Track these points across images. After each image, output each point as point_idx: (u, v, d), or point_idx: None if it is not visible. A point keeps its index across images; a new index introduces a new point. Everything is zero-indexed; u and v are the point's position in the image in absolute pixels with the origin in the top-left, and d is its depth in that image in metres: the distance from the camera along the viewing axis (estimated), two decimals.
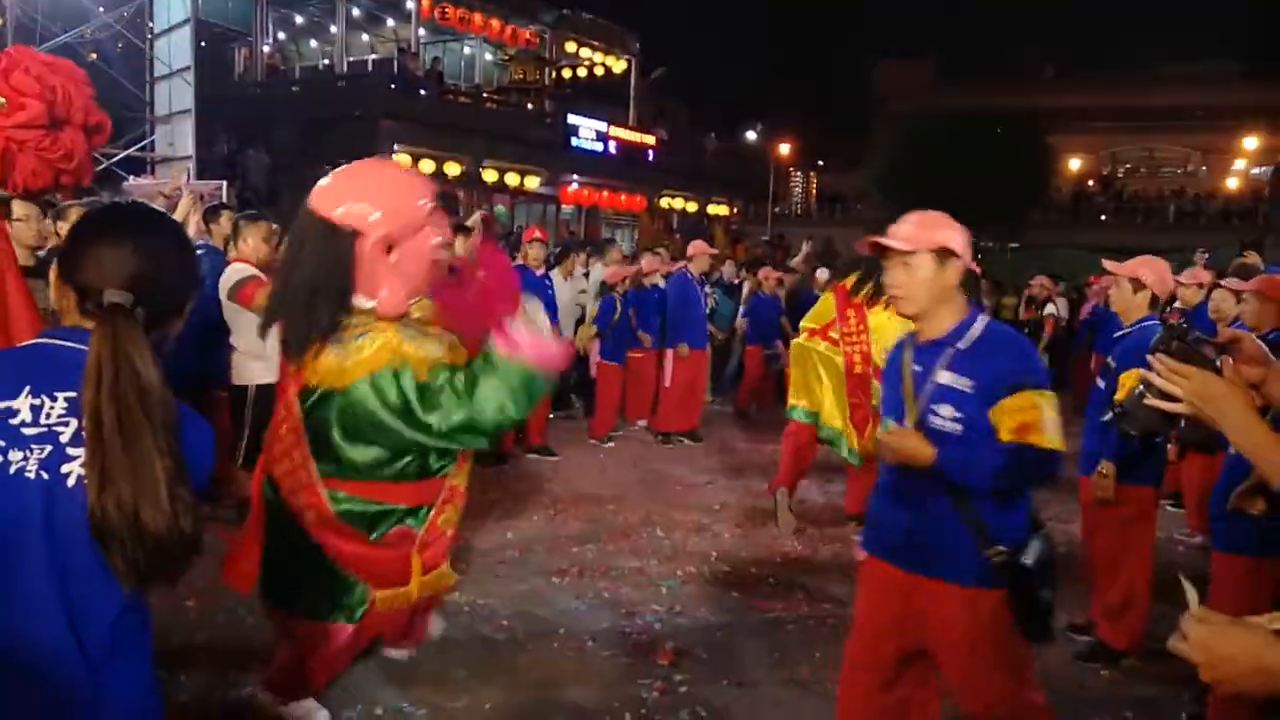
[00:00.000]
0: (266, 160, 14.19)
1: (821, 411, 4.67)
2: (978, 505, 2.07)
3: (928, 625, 2.14)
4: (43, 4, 11.10)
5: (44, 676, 1.19)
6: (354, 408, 2.17)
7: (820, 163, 36.17)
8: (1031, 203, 23.21)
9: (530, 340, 2.13)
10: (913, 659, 2.22)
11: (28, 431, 1.20)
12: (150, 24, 11.85)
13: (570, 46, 20.59)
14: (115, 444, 1.15)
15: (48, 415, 1.21)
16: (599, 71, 21.45)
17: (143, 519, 1.14)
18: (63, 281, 1.30)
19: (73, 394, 1.21)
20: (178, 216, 4.44)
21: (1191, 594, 1.19)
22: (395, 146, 14.98)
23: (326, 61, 19.99)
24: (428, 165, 14.75)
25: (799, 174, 34.41)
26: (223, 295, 4.07)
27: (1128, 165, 37.30)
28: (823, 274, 8.29)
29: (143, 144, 11.62)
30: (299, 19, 19.83)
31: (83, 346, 1.21)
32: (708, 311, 7.69)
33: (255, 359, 4.14)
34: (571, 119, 18.56)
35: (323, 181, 2.29)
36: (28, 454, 1.19)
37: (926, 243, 2.11)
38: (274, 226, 4.34)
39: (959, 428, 2.07)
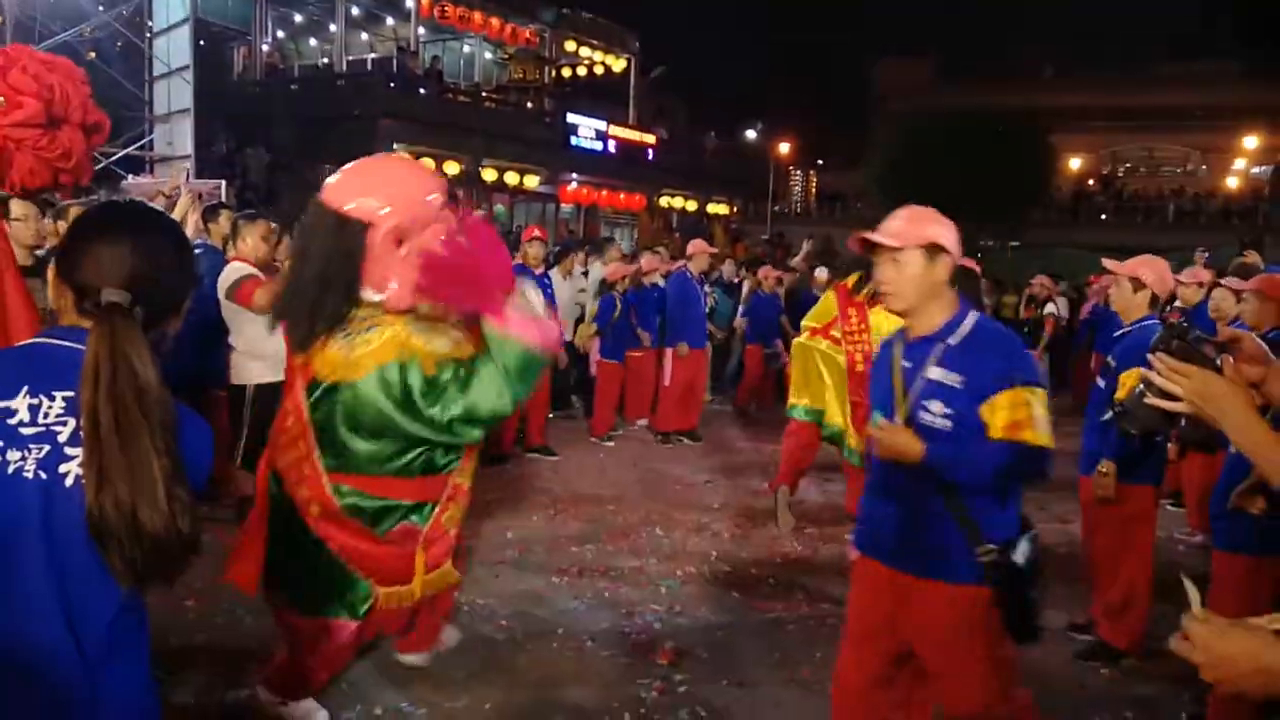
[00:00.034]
0: (266, 159, 14.20)
1: (827, 409, 4.67)
2: (968, 502, 2.06)
3: (916, 624, 2.14)
4: (41, 2, 11.09)
5: (42, 676, 1.19)
6: (360, 400, 2.18)
7: (820, 161, 36.18)
8: (1031, 202, 23.22)
9: (526, 319, 2.15)
10: (907, 658, 2.22)
11: (25, 431, 1.20)
12: (149, 23, 11.84)
13: (570, 45, 20.57)
14: (113, 443, 1.15)
15: (45, 415, 1.21)
16: (598, 70, 21.44)
17: (140, 518, 1.14)
18: (60, 280, 1.30)
19: (70, 393, 1.20)
20: (176, 215, 4.43)
21: (1193, 594, 1.19)
22: (394, 145, 14.93)
23: (326, 60, 19.97)
24: (427, 164, 14.72)
25: (799, 173, 34.42)
26: (221, 294, 4.06)
27: (1128, 164, 37.33)
28: (822, 273, 8.28)
29: (142, 143, 11.62)
30: (298, 17, 19.82)
31: (80, 346, 1.21)
32: (707, 311, 7.68)
33: (254, 358, 4.14)
34: (571, 118, 18.55)
35: (335, 175, 2.30)
36: (25, 454, 1.19)
37: (915, 239, 2.10)
38: (273, 226, 4.34)
39: (949, 424, 2.06)
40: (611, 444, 6.96)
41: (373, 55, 20.21)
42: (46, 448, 1.20)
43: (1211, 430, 1.46)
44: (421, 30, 18.31)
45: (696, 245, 7.47)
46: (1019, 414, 2.01)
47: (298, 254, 2.34)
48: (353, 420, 2.22)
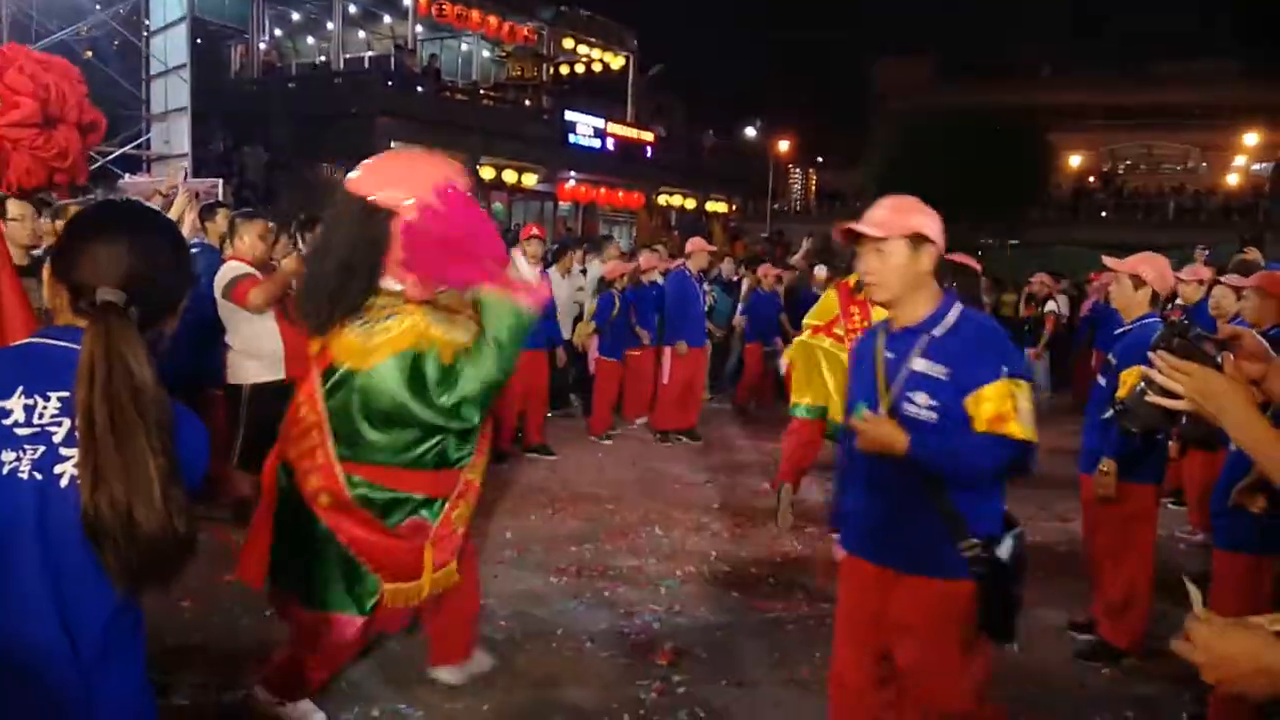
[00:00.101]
0: (263, 158, 14.18)
1: (831, 406, 4.67)
2: (952, 495, 2.05)
3: (895, 618, 2.13)
4: (38, 1, 11.06)
5: (37, 678, 1.18)
6: (376, 387, 2.20)
7: (819, 159, 36.18)
8: (1030, 200, 23.26)
9: (516, 282, 2.21)
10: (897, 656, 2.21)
11: (20, 432, 1.19)
12: (146, 21, 11.82)
13: (568, 43, 20.56)
14: (108, 443, 1.14)
15: (41, 415, 1.20)
16: (597, 68, 21.43)
17: (136, 519, 1.13)
18: (56, 280, 1.29)
19: (66, 394, 1.20)
20: (173, 215, 4.42)
21: (1195, 595, 1.19)
22: (392, 143, 14.90)
23: (323, 58, 19.94)
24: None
25: (798, 171, 34.43)
26: (217, 293, 4.05)
27: (1127, 162, 37.35)
28: (821, 271, 8.27)
29: (138, 142, 11.60)
30: (295, 16, 19.80)
31: (76, 346, 1.20)
32: (706, 309, 7.67)
33: (250, 357, 4.13)
34: (569, 115, 18.54)
35: (363, 165, 2.35)
36: (20, 454, 1.19)
37: (900, 229, 2.08)
38: (270, 225, 4.32)
39: (934, 415, 2.05)
40: (610, 443, 6.95)
41: (370, 53, 20.20)
42: (41, 448, 1.19)
43: (1212, 428, 1.46)
44: (419, 28, 18.29)
45: (695, 243, 7.46)
46: (1004, 406, 1.99)
47: (321, 239, 2.38)
48: (367, 408, 2.23)
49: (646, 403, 7.34)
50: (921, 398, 2.06)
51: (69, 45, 10.67)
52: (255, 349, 4.11)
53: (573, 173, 19.02)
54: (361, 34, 20.56)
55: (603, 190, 19.59)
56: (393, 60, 17.32)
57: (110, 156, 10.76)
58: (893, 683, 2.23)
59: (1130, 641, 3.32)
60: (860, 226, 2.11)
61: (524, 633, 3.38)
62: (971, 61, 36.13)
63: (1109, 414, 3.11)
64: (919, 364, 2.08)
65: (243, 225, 4.23)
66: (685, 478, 5.99)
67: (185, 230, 4.45)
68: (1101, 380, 3.44)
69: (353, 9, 18.96)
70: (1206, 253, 8.04)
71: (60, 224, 3.97)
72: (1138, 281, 3.26)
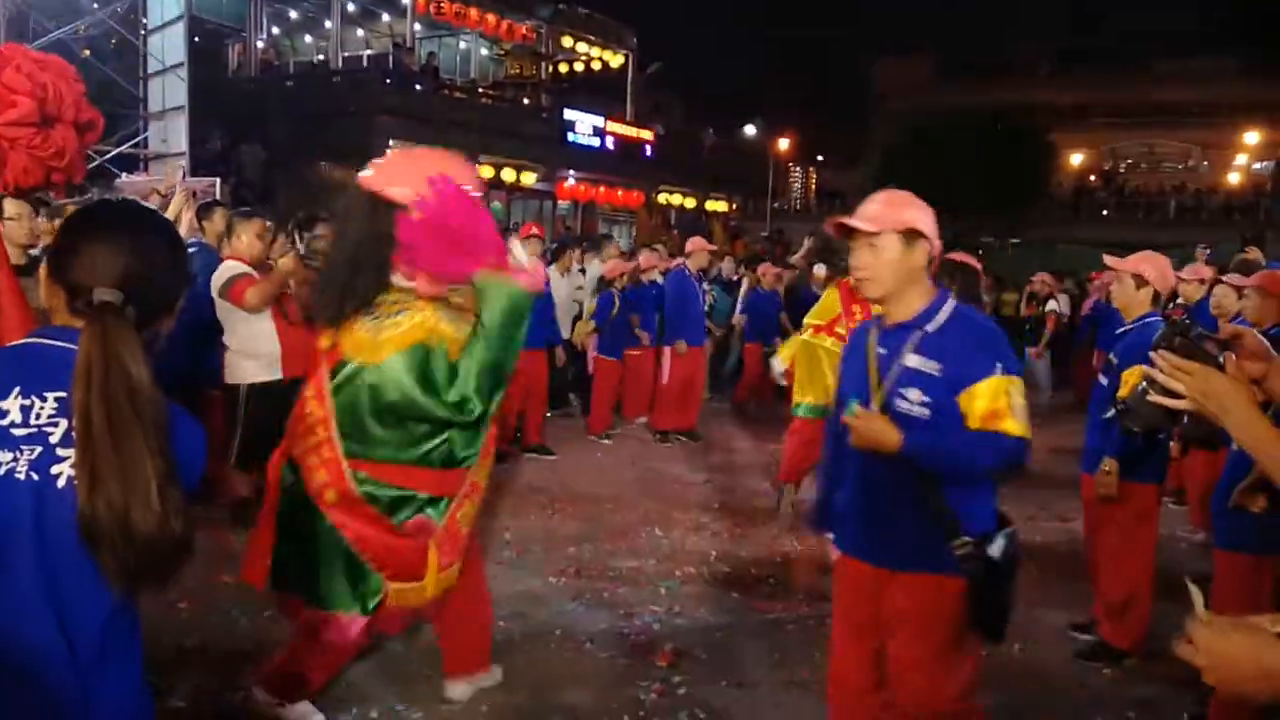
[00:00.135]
0: (261, 156, 14.16)
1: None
2: (945, 492, 2.03)
3: (888, 614, 2.11)
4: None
5: (34, 679, 1.18)
6: (384, 381, 2.20)
7: (819, 158, 36.16)
8: (1031, 199, 23.24)
9: (513, 268, 2.22)
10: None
11: (17, 432, 1.19)
12: (144, 20, 11.80)
13: (567, 41, 20.52)
14: (105, 443, 1.14)
15: (38, 416, 1.20)
16: (596, 66, 21.40)
17: (133, 519, 1.13)
18: (52, 280, 1.29)
19: (63, 394, 1.20)
20: (170, 214, 4.41)
21: (1197, 597, 1.18)
22: (391, 142, 14.91)
23: (321, 57, 19.91)
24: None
25: (798, 169, 34.40)
26: (214, 293, 4.04)
27: (1128, 161, 37.30)
28: (820, 270, 8.25)
29: (136, 140, 11.58)
30: (293, 14, 19.76)
31: (72, 346, 1.20)
32: (706, 309, 7.66)
33: (248, 357, 4.12)
34: (568, 114, 18.51)
35: (376, 161, 2.36)
36: (17, 455, 1.18)
37: (893, 223, 2.07)
38: (268, 224, 4.31)
39: (926, 412, 2.03)
40: (609, 442, 6.94)
41: (369, 52, 20.17)
42: (38, 449, 1.19)
43: (1214, 428, 1.46)
44: (418, 26, 18.27)
45: (695, 243, 7.45)
46: (998, 403, 1.98)
47: (334, 236, 2.40)
48: (375, 403, 2.23)
49: (646, 402, 7.33)
50: (914, 394, 2.05)
51: (67, 44, 10.65)
52: (252, 349, 4.10)
53: (572, 171, 19.00)
54: (360, 32, 20.53)
55: (602, 189, 19.57)
56: (391, 58, 17.30)
57: (108, 155, 10.74)
58: (889, 683, 2.22)
59: (1131, 642, 3.31)
60: (853, 221, 2.10)
61: (523, 634, 3.37)
62: (971, 60, 36.11)
63: (1110, 413, 3.11)
64: (911, 360, 2.06)
65: (240, 224, 4.22)
66: (685, 478, 5.98)
67: (183, 230, 4.44)
68: (1103, 379, 3.43)
69: (351, 7, 18.93)
70: (1208, 251, 8.04)
71: (59, 223, 3.96)
72: (1140, 281, 3.25)
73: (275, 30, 19.90)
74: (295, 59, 20.41)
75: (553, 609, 3.64)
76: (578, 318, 7.45)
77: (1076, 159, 34.47)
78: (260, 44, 18.20)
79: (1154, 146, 36.94)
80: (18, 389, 1.21)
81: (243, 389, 4.13)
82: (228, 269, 4.06)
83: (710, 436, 7.24)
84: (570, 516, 4.93)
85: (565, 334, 7.19)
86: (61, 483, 1.18)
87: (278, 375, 4.13)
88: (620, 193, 19.93)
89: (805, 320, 4.95)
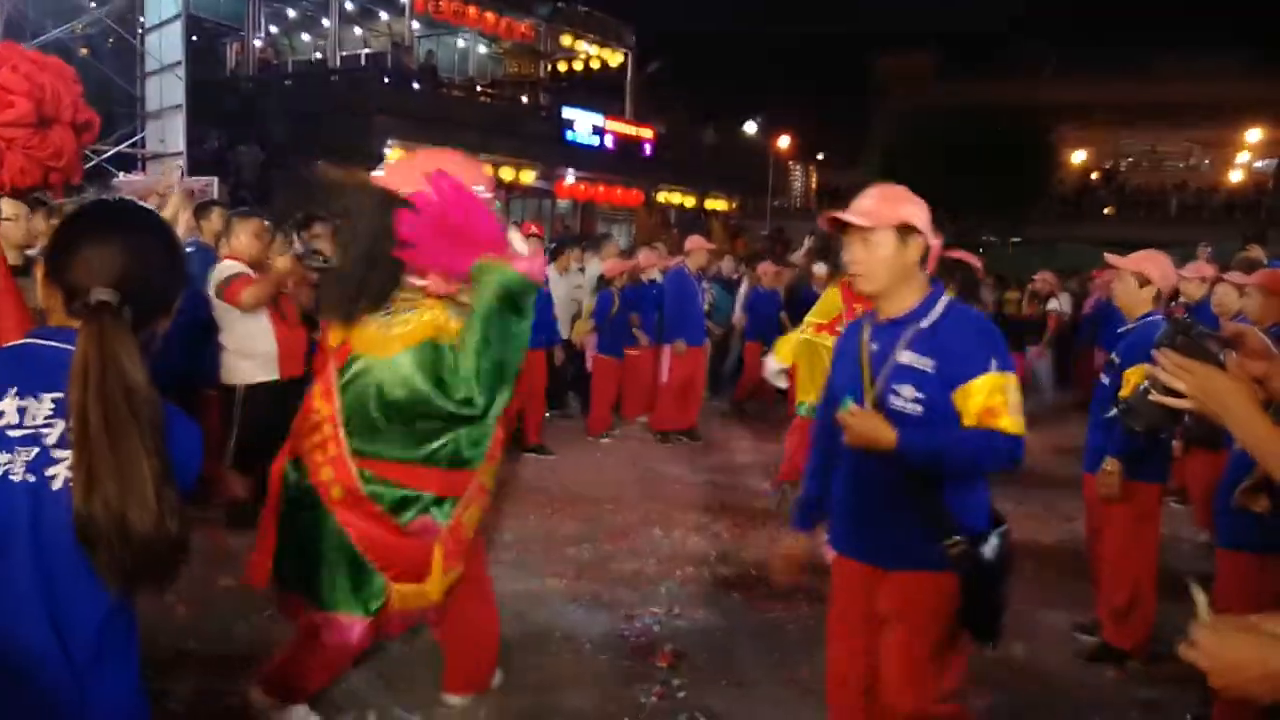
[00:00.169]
0: (259, 155, 14.12)
1: None
2: (939, 490, 2.02)
3: (883, 611, 2.09)
4: None
5: (30, 680, 1.18)
6: (393, 378, 2.20)
7: (820, 156, 36.05)
8: (1033, 197, 23.20)
9: (515, 255, 2.22)
10: None
11: (14, 434, 1.19)
12: (141, 19, 11.77)
13: (566, 39, 20.48)
14: (102, 444, 1.14)
15: (34, 417, 1.21)
16: (595, 65, 21.36)
17: (129, 520, 1.13)
18: (49, 280, 1.29)
19: (59, 395, 1.20)
20: (167, 214, 4.39)
21: (1200, 599, 1.18)
22: (389, 141, 14.90)
23: (319, 55, 19.88)
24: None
25: (798, 168, 34.31)
26: (211, 292, 4.03)
27: (1130, 159, 37.21)
28: (820, 268, 8.24)
29: (134, 140, 11.55)
30: (291, 13, 19.71)
31: (69, 346, 1.20)
32: (706, 308, 7.64)
33: (245, 357, 4.10)
34: (567, 113, 18.47)
35: (390, 161, 2.34)
36: (14, 456, 1.19)
37: (888, 218, 2.05)
38: (266, 223, 4.29)
39: (920, 409, 2.01)
40: (609, 442, 6.93)
41: (367, 50, 20.12)
42: (35, 450, 1.19)
43: (1215, 427, 1.46)
44: (416, 25, 18.24)
45: (694, 241, 7.43)
46: (993, 400, 1.96)
47: (346, 233, 2.40)
48: (383, 399, 2.23)
49: (646, 403, 7.31)
50: (907, 390, 2.03)
51: (64, 43, 10.62)
52: (249, 349, 4.08)
53: (571, 170, 18.98)
54: (358, 31, 20.49)
55: (601, 188, 19.54)
56: (389, 57, 17.27)
57: (105, 155, 10.72)
58: None
59: (1135, 644, 3.30)
60: (847, 215, 2.08)
61: (522, 636, 3.34)
62: (972, 59, 36.05)
63: (1113, 413, 3.10)
64: (905, 356, 2.05)
65: (238, 224, 4.21)
66: (685, 478, 5.96)
67: (181, 230, 4.43)
68: (1105, 379, 3.42)
69: (349, 6, 18.89)
70: (1209, 250, 8.02)
71: (56, 223, 3.95)
72: (1142, 280, 3.24)
73: (273, 29, 19.87)
74: (293, 58, 20.38)
75: (552, 610, 3.63)
76: (576, 316, 7.44)
77: (1077, 157, 34.40)
78: (258, 43, 18.16)
79: (1156, 145, 36.84)
80: (14, 390, 1.21)
81: (240, 389, 4.11)
82: (224, 269, 4.05)
83: (710, 436, 7.22)
84: (570, 517, 4.91)
85: (564, 334, 7.18)
86: (58, 484, 1.18)
87: (275, 375, 4.12)
88: (619, 191, 19.90)
89: (806, 319, 4.93)
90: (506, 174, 17.07)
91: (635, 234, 19.46)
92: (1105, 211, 28.87)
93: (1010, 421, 1.96)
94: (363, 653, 2.81)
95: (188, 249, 4.04)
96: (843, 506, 2.22)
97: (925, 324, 2.06)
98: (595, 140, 18.90)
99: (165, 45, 11.57)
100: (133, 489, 1.13)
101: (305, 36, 20.85)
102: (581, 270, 7.78)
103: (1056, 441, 6.64)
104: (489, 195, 2.32)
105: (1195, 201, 28.74)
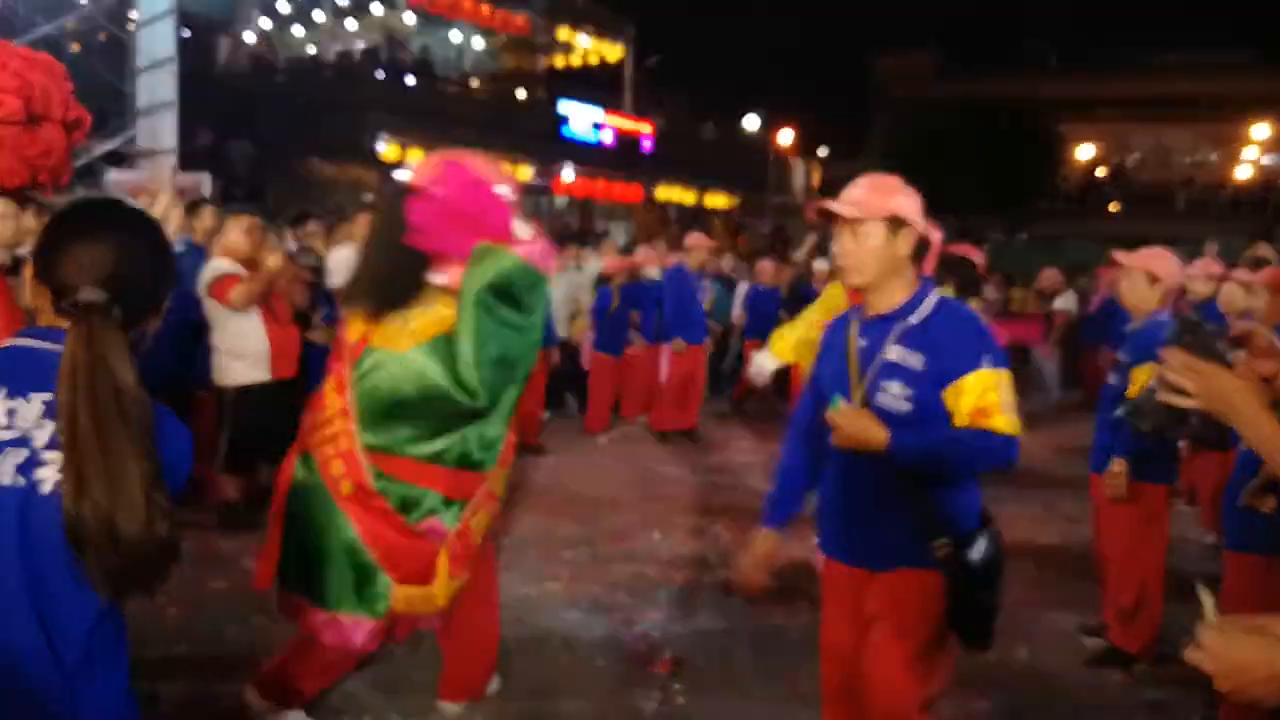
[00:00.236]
0: (251, 152, 14.05)
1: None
2: (928, 491, 1.97)
3: (867, 614, 2.05)
4: None
5: (19, 683, 1.17)
6: (407, 372, 2.22)
7: (821, 152, 35.93)
8: (1039, 193, 23.13)
9: (521, 241, 2.26)
10: None
11: (3, 436, 1.19)
12: (132, 14, 11.67)
13: (563, 32, 20.40)
14: (91, 446, 1.13)
15: (24, 419, 1.20)
16: (593, 59, 21.29)
17: (119, 522, 1.12)
18: (38, 280, 1.28)
19: (48, 395, 1.19)
20: (157, 213, 4.34)
21: (1207, 602, 1.16)
22: (383, 136, 14.83)
23: (313, 50, 19.78)
24: (416, 155, 14.63)
25: (800, 163, 34.23)
26: (200, 291, 3.99)
27: (1137, 155, 37.08)
28: (821, 266, 8.20)
29: (124, 137, 11.45)
30: (284, 7, 19.61)
31: (58, 347, 1.20)
32: (706, 306, 7.59)
33: (236, 358, 4.06)
34: (564, 108, 18.44)
35: (420, 162, 2.42)
36: (3, 459, 1.18)
37: (878, 210, 1.98)
38: (257, 220, 4.25)
39: (909, 406, 1.96)
40: (607, 441, 6.89)
41: (361, 45, 20.03)
42: (24, 453, 1.18)
43: (1223, 427, 1.44)
44: (411, 19, 18.16)
45: (694, 239, 7.38)
46: (986, 399, 1.91)
47: (376, 229, 2.43)
48: (396, 394, 2.24)
49: (645, 402, 7.27)
50: (896, 388, 1.97)
51: (55, 39, 10.53)
52: (241, 348, 4.04)
53: (568, 166, 18.91)
54: (352, 25, 20.38)
55: (599, 184, 19.49)
56: (384, 52, 17.18)
57: (96, 153, 10.63)
58: None
59: (1141, 646, 3.27)
60: (836, 206, 2.02)
61: (518, 640, 3.28)
62: (976, 53, 35.94)
63: (1120, 413, 3.07)
64: (894, 353, 1.99)
65: (230, 222, 4.18)
66: (684, 478, 5.92)
67: (172, 229, 4.37)
68: (1112, 378, 3.38)
69: (342, 0, 18.81)
70: (1216, 247, 7.98)
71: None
72: (1151, 278, 3.20)
73: (266, 24, 19.76)
74: (286, 53, 20.27)
75: (550, 614, 3.59)
76: (574, 315, 7.40)
77: (1083, 153, 34.24)
78: (251, 38, 18.06)
79: (1163, 140, 36.69)
80: (3, 391, 1.20)
81: (231, 390, 4.07)
82: (214, 267, 4.01)
83: (710, 437, 7.16)
84: (568, 519, 4.86)
85: (563, 333, 7.14)
86: (47, 487, 1.17)
87: (267, 376, 4.07)
88: (618, 188, 19.86)
89: (807, 314, 4.87)
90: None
91: (634, 231, 19.42)
92: (1111, 208, 28.74)
93: (1004, 421, 1.91)
94: (361, 659, 2.78)
95: (178, 247, 3.99)
96: (831, 508, 2.17)
97: (915, 320, 2.00)
98: (593, 136, 18.85)
99: (156, 40, 11.47)
100: (122, 491, 1.12)
101: (298, 30, 20.73)
102: (579, 269, 7.73)
103: (1059, 441, 6.61)
104: (512, 196, 2.33)
105: (1202, 197, 28.58)
